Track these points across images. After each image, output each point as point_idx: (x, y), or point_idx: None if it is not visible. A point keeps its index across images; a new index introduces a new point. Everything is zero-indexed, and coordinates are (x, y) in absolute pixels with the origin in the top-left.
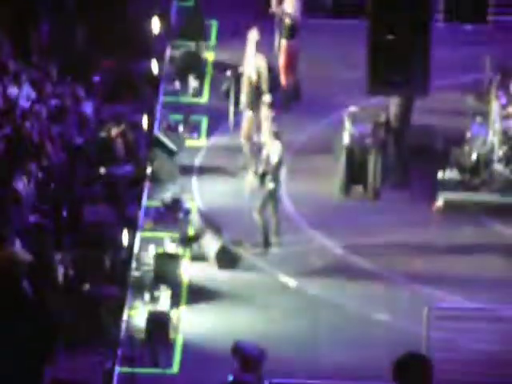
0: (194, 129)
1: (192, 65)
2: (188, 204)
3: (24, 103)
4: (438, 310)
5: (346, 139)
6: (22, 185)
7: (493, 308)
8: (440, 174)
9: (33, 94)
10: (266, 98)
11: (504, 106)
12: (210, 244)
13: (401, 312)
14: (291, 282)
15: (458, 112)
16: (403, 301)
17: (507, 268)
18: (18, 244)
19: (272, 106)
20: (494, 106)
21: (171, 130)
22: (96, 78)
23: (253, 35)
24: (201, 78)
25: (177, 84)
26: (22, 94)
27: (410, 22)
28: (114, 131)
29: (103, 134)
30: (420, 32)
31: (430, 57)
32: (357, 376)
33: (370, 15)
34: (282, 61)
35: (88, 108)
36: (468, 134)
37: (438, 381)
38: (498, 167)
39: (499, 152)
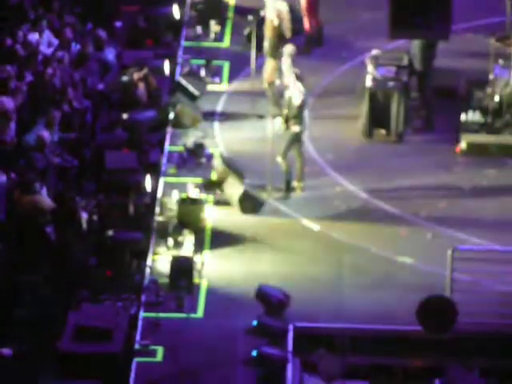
0: (216, 73)
1: (213, 9)
2: (211, 149)
3: (45, 50)
4: (461, 252)
5: (368, 82)
6: (45, 131)
7: None
8: (463, 117)
9: (54, 41)
10: (289, 44)
11: None
12: (233, 189)
13: (425, 254)
14: (315, 226)
15: (480, 54)
16: (427, 243)
17: None
18: (42, 190)
19: (294, 49)
20: None
21: (193, 74)
22: (118, 24)
23: None
24: (222, 22)
25: (198, 29)
26: (43, 40)
27: None
28: (136, 75)
29: (125, 79)
30: None
31: None
32: (381, 319)
33: None
34: (303, 4)
35: (110, 54)
36: (490, 77)
37: (462, 323)
38: None
39: None
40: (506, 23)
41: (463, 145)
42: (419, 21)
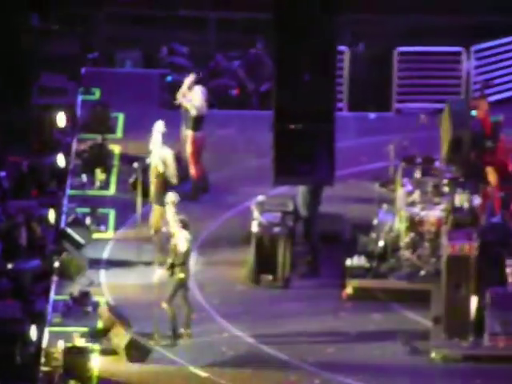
0: (102, 221)
1: (98, 158)
2: (96, 297)
3: None
4: None
5: (254, 228)
6: None
7: None
8: (348, 262)
9: None
10: (170, 192)
11: (409, 193)
12: (119, 337)
13: None
14: (202, 373)
15: (364, 199)
16: None
17: (417, 355)
18: None
19: (178, 196)
20: (400, 193)
21: (78, 223)
22: (2, 174)
23: (158, 126)
24: (107, 170)
25: (83, 177)
26: None
27: (314, 111)
28: (19, 223)
29: (7, 226)
30: (324, 121)
31: (335, 146)
32: None
33: (274, 105)
34: (188, 151)
35: None
36: (375, 221)
37: None
38: (405, 253)
39: (405, 238)
40: (388, 168)
41: (349, 290)
42: (303, 167)
